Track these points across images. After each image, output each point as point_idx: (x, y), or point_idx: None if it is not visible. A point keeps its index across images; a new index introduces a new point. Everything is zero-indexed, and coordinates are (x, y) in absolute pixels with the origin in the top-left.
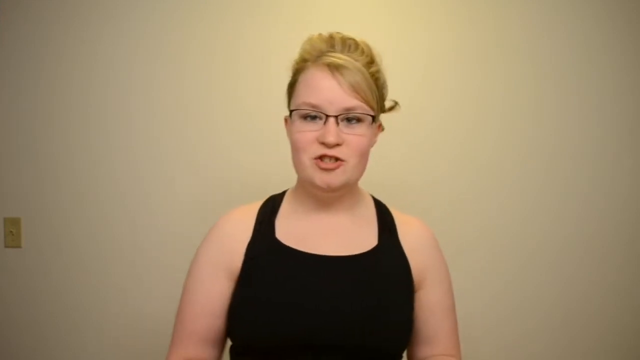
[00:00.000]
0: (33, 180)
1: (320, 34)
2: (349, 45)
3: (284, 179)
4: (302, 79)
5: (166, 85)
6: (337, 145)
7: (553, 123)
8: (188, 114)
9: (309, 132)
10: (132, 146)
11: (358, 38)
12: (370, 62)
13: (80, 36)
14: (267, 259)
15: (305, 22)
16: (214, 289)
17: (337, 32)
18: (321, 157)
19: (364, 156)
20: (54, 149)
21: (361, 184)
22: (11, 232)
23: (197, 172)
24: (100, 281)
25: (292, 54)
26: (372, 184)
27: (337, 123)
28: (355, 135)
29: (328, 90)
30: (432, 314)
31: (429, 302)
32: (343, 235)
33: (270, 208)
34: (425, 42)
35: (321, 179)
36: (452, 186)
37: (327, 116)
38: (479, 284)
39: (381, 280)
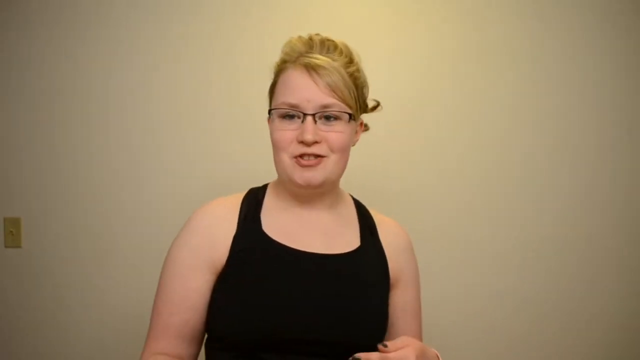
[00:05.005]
0: (33, 180)
1: (300, 36)
2: (328, 46)
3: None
4: (281, 79)
5: (166, 86)
6: (316, 143)
7: (554, 124)
8: (188, 115)
9: (288, 130)
10: (132, 146)
11: (337, 40)
12: (349, 62)
13: (80, 36)
14: (255, 252)
15: (305, 22)
16: (195, 283)
17: (317, 34)
18: (301, 156)
19: (344, 153)
20: (54, 149)
21: (362, 185)
22: (11, 232)
23: (197, 172)
24: (101, 281)
25: None
26: (372, 185)
27: (315, 121)
28: (333, 132)
29: (305, 90)
30: (404, 314)
31: (402, 303)
32: (327, 233)
33: (254, 201)
34: (425, 42)
35: (301, 176)
36: (451, 188)
37: (305, 115)
38: (479, 285)
39: (362, 279)
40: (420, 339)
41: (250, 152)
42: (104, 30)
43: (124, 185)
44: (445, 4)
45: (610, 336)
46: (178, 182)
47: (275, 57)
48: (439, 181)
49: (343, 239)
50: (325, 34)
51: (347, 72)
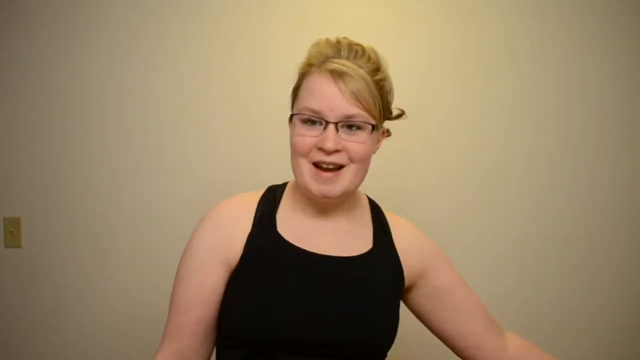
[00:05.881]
0: (33, 180)
1: (327, 39)
2: (356, 51)
3: (282, 178)
4: (305, 84)
5: (166, 86)
6: (336, 151)
7: (554, 123)
8: (187, 114)
9: (308, 137)
10: (132, 146)
11: (365, 44)
12: (376, 69)
13: (80, 36)
14: (268, 252)
15: (305, 22)
16: (210, 279)
17: (345, 38)
18: (319, 164)
19: (364, 163)
20: (54, 149)
21: (362, 186)
22: (11, 232)
23: (196, 171)
24: (101, 281)
25: (291, 54)
26: (372, 186)
27: (337, 130)
28: (355, 142)
29: (329, 97)
30: (455, 291)
31: (446, 283)
32: (341, 236)
33: (271, 201)
34: (425, 42)
35: (318, 190)
36: (451, 188)
37: (327, 122)
38: (479, 284)
39: (374, 281)
40: (477, 299)
41: (250, 152)
42: (104, 30)
43: (124, 185)
44: (445, 4)
45: (610, 336)
46: (178, 182)
47: (275, 58)
48: (439, 181)
49: (356, 241)
50: (341, 35)
51: (374, 80)
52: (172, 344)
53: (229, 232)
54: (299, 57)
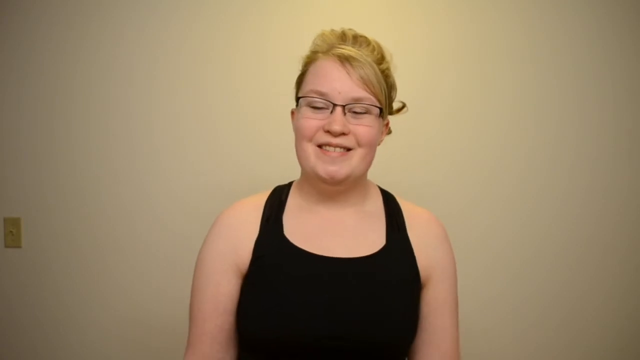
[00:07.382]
0: (33, 180)
1: (332, 30)
2: (360, 42)
3: (283, 179)
4: (312, 69)
5: (166, 87)
6: (343, 134)
7: (554, 123)
8: (188, 116)
9: (314, 119)
10: (133, 146)
11: (370, 37)
12: (381, 59)
13: (82, 36)
14: (275, 258)
15: (305, 22)
16: (224, 287)
17: (350, 29)
18: (325, 145)
19: (370, 148)
20: (54, 149)
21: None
22: (11, 232)
23: (197, 172)
24: (101, 281)
25: (292, 54)
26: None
27: (344, 113)
28: (362, 125)
29: (337, 80)
30: (438, 313)
31: (435, 300)
32: (351, 235)
33: (277, 202)
34: (425, 42)
35: (325, 169)
36: (452, 187)
37: (335, 105)
38: (479, 283)
39: (388, 282)
40: (454, 335)
41: (253, 153)
42: (104, 30)
43: (124, 185)
44: (445, 4)
45: (609, 336)
46: (177, 182)
47: (275, 57)
48: (440, 179)
49: (367, 240)
50: (360, 30)
51: (379, 69)
52: (195, 355)
53: (237, 239)
54: (299, 57)
